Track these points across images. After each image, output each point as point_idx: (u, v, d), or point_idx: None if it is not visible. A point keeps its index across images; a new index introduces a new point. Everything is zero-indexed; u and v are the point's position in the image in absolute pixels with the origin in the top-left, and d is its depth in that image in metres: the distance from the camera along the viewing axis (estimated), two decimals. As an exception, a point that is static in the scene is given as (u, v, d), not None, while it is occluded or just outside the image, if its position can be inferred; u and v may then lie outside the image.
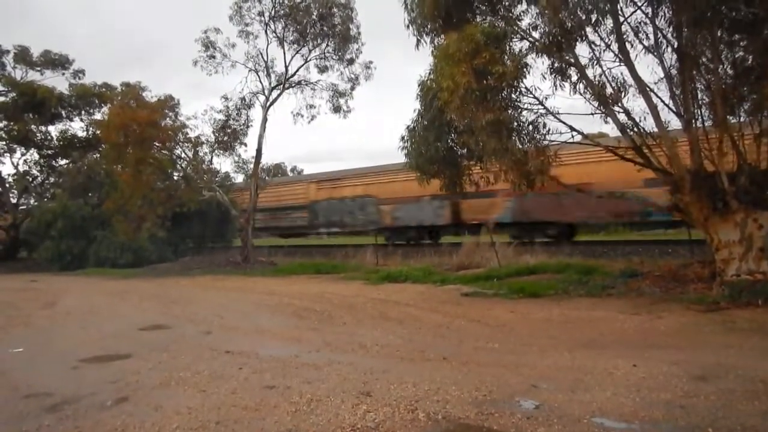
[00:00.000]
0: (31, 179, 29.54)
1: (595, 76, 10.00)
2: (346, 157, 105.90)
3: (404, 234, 23.66)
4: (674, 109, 9.91)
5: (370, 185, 24.45)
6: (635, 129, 10.05)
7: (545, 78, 10.17)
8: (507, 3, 10.38)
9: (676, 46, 9.61)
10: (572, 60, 9.89)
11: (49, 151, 28.52)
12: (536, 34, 9.87)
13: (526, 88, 9.94)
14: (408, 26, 10.66)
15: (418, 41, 10.69)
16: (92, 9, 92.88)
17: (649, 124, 9.92)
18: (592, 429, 3.67)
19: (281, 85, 21.33)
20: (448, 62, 9.30)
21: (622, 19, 9.59)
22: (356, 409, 4.21)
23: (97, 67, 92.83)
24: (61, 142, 28.08)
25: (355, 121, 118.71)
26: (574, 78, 10.08)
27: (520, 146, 9.82)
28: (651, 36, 9.87)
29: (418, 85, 11.56)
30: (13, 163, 28.62)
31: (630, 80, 9.76)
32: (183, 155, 22.45)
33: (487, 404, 4.21)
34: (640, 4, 9.61)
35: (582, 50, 9.96)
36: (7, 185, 29.42)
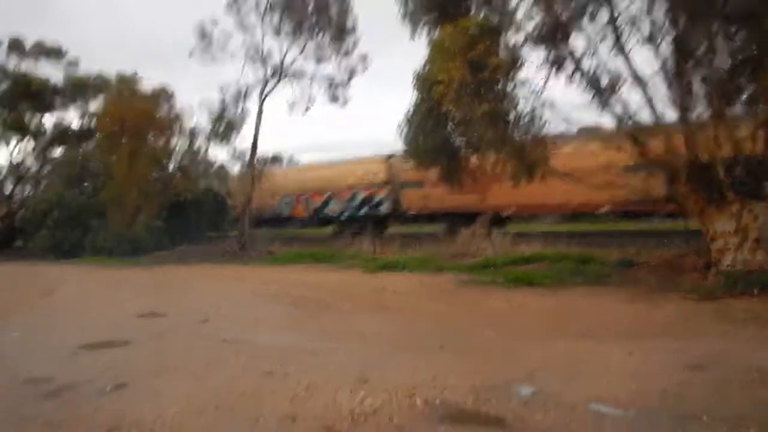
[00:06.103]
0: (26, 169, 29.38)
1: (590, 68, 9.99)
2: (351, 147, 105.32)
3: None
4: (670, 101, 9.90)
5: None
6: (631, 120, 10.05)
7: (541, 70, 10.15)
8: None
9: (672, 37, 9.59)
10: (567, 52, 9.86)
11: (44, 141, 28.32)
12: (530, 26, 9.84)
13: (521, 80, 9.92)
14: (403, 18, 10.63)
15: (413, 32, 10.66)
16: (113, 7, 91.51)
17: (645, 116, 9.93)
18: (588, 415, 3.71)
19: (277, 75, 21.22)
20: (444, 56, 9.28)
21: (618, 11, 9.56)
22: (354, 395, 4.24)
23: (115, 64, 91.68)
24: (56, 132, 27.86)
25: (362, 112, 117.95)
26: (570, 70, 10.07)
27: (518, 137, 9.81)
28: (647, 27, 9.84)
29: (414, 76, 11.52)
30: (7, 153, 28.50)
31: (626, 72, 9.75)
32: (179, 146, 22.40)
33: (485, 391, 4.24)
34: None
35: (578, 42, 9.95)
36: (2, 175, 29.27)
